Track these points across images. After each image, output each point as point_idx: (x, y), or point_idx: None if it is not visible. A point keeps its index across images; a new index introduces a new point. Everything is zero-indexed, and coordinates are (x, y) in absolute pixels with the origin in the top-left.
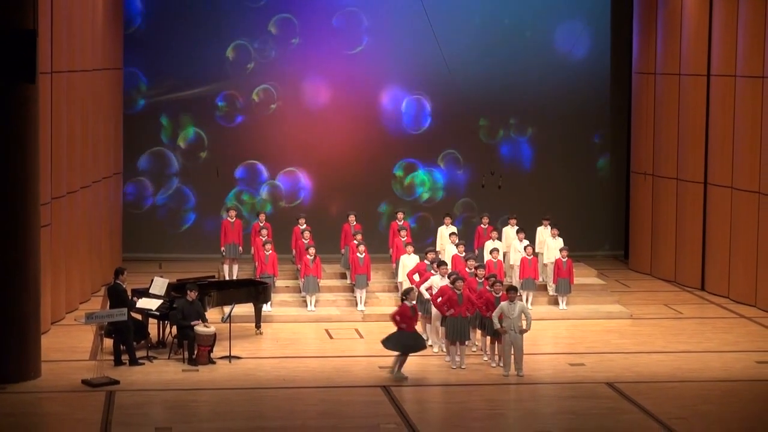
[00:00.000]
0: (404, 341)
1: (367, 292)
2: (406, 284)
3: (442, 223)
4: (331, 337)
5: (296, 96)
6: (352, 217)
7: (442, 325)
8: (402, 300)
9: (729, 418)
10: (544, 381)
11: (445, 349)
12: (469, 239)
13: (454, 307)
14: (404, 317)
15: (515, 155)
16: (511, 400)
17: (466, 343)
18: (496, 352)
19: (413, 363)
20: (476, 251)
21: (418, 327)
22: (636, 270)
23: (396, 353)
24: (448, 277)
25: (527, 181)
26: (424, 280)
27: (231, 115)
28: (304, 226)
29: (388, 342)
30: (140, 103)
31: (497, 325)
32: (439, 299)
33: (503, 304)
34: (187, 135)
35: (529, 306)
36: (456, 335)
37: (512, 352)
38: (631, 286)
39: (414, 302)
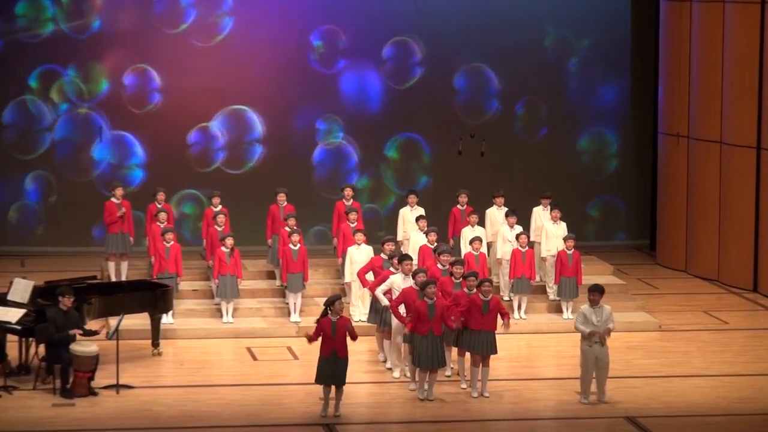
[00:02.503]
0: (322, 370)
1: (303, 297)
2: (358, 287)
3: (405, 204)
4: (254, 359)
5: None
6: (282, 196)
7: (405, 342)
8: (324, 312)
9: None
10: (545, 415)
11: (409, 374)
12: (442, 225)
13: (423, 323)
14: (324, 336)
15: (503, 113)
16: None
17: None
18: (479, 377)
19: (366, 392)
20: (451, 241)
21: (371, 344)
22: (666, 265)
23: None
24: (414, 277)
25: (519, 146)
26: (380, 281)
27: None
28: (219, 207)
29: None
30: None
31: (584, 331)
32: (402, 307)
33: (585, 308)
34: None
35: (522, 315)
36: (427, 360)
37: (593, 376)
38: (659, 287)
39: (339, 316)
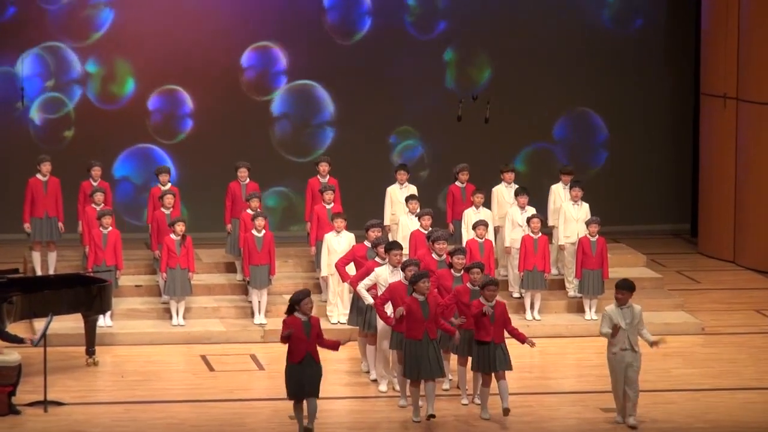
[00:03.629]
0: (291, 380)
1: (269, 294)
2: (337, 282)
3: (393, 181)
4: (211, 369)
5: None
6: (243, 171)
7: (393, 349)
8: (290, 310)
9: None
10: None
11: (398, 387)
12: (438, 206)
13: (415, 325)
14: (295, 339)
15: (513, 69)
16: None
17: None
18: (476, 392)
19: (347, 410)
20: (450, 226)
21: (352, 351)
22: (709, 255)
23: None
24: (404, 270)
25: (532, 108)
26: (363, 274)
27: None
28: (168, 185)
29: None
30: None
31: (607, 333)
32: (389, 306)
33: (610, 309)
34: None
35: (536, 316)
36: (420, 370)
37: (623, 387)
38: (702, 282)
39: (309, 316)
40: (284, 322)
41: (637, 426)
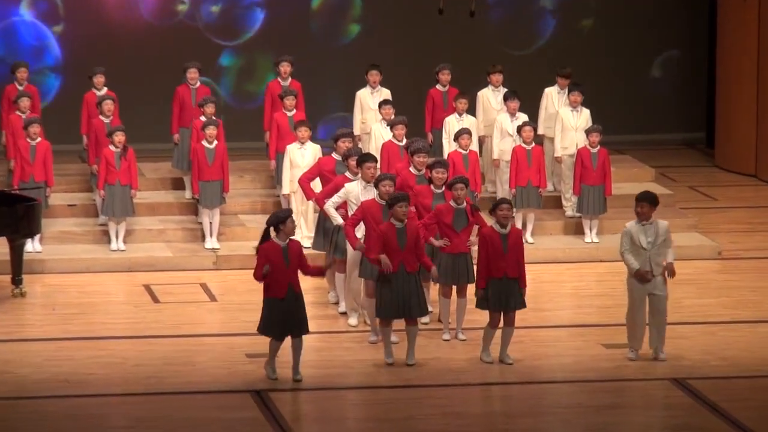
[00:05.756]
0: (273, 317)
1: (222, 214)
2: (300, 201)
3: (364, 84)
4: (156, 301)
5: None
6: (193, 72)
7: (363, 278)
8: (265, 235)
9: None
10: (557, 377)
11: (369, 321)
12: (415, 112)
13: (390, 255)
14: (274, 269)
15: None
16: (493, 414)
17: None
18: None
19: (312, 347)
20: (429, 135)
21: (318, 280)
22: (728, 168)
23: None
24: (377, 186)
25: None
26: (330, 191)
27: None
28: (104, 90)
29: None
30: None
31: (632, 266)
32: (361, 229)
33: (631, 226)
34: None
35: (529, 238)
36: (394, 308)
37: (645, 320)
38: (719, 199)
39: (290, 238)
40: (260, 250)
41: (665, 359)
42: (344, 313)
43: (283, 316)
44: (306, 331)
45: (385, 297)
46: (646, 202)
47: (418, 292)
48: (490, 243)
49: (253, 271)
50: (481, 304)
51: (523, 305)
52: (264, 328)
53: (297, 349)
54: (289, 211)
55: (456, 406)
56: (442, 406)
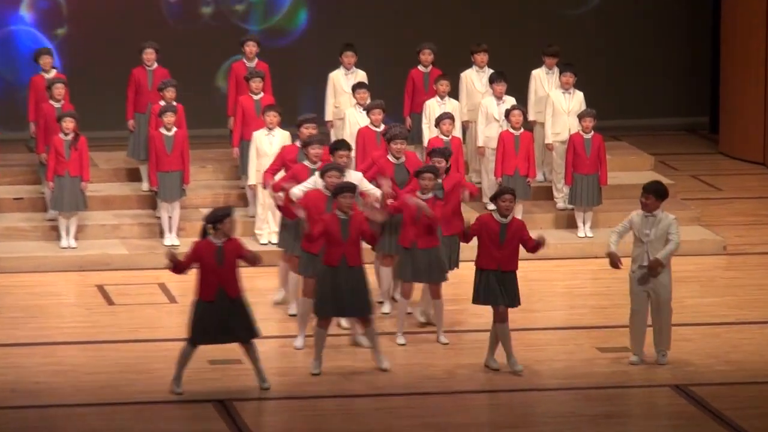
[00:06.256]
0: (201, 322)
1: (182, 208)
2: (267, 192)
3: (337, 65)
4: (110, 303)
5: None
6: (149, 53)
7: (301, 274)
8: (204, 232)
9: None
10: (550, 385)
11: (299, 323)
12: (393, 94)
13: (334, 247)
14: (204, 269)
15: None
16: (478, 425)
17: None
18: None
19: (279, 351)
20: (408, 120)
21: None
22: (733, 155)
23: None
24: (324, 176)
25: None
26: (287, 179)
27: None
28: (53, 72)
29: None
30: None
31: (610, 246)
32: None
33: (635, 215)
34: None
35: None
36: (337, 304)
37: (647, 321)
38: (723, 189)
39: (227, 238)
40: (193, 245)
41: (666, 363)
42: (295, 315)
43: (207, 321)
44: (251, 335)
45: (324, 293)
46: (652, 194)
47: (360, 288)
48: (486, 231)
49: None
50: (474, 298)
51: (516, 302)
52: (191, 334)
53: (250, 354)
54: (229, 210)
55: (437, 416)
56: (421, 417)
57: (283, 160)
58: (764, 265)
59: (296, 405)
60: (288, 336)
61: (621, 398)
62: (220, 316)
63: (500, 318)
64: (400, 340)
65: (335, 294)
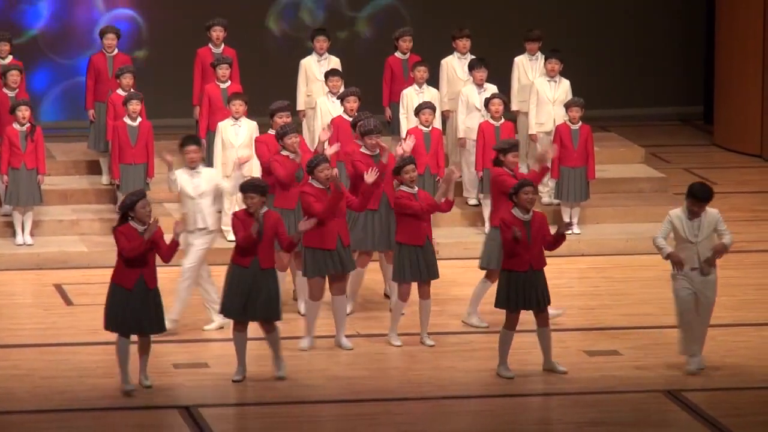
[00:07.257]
0: (116, 311)
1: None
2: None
3: (310, 51)
4: (68, 303)
5: None
6: (109, 38)
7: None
8: (122, 219)
9: None
10: (536, 390)
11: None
12: (371, 83)
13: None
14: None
15: None
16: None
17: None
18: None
19: (254, 353)
20: (388, 110)
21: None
22: (728, 147)
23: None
24: (311, 168)
25: None
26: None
27: None
28: (9, 58)
29: None
30: None
31: (664, 249)
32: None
33: (675, 214)
34: None
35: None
36: (240, 307)
37: (688, 321)
38: (719, 183)
39: (148, 223)
40: (115, 232)
41: (696, 373)
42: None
43: (126, 310)
44: (160, 329)
45: (232, 293)
46: (697, 199)
47: (269, 291)
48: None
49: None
50: (500, 302)
51: (549, 300)
52: (106, 321)
53: (141, 350)
54: (140, 194)
55: (418, 423)
56: (401, 424)
57: (260, 150)
58: (762, 263)
59: (267, 411)
60: (258, 338)
61: (610, 404)
62: (135, 306)
63: (543, 322)
64: (396, 341)
65: (243, 295)
